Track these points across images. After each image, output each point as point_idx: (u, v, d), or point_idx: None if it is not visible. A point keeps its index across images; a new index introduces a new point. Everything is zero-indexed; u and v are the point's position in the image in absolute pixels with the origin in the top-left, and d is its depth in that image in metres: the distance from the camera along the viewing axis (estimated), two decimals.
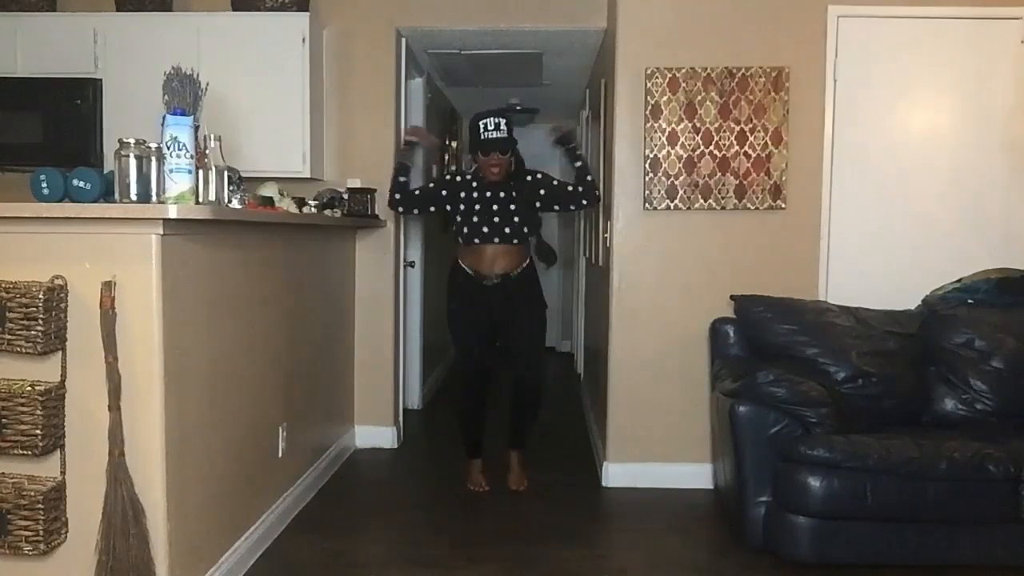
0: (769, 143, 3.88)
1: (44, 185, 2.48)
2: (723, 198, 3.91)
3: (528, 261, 3.86)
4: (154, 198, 2.32)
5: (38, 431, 2.24)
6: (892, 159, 3.91)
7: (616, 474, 4.02)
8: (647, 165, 3.91)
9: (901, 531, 2.99)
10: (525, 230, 3.78)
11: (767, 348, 3.52)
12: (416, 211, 4.09)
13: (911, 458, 2.94)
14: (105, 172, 2.54)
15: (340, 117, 4.56)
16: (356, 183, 4.47)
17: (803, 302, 3.65)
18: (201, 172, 2.45)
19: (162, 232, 2.31)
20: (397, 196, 3.87)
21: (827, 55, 3.87)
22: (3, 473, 2.34)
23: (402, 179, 3.88)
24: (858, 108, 3.90)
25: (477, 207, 3.76)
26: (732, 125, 3.88)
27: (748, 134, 3.88)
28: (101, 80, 4.19)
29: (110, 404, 2.30)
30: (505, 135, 3.69)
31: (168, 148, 2.31)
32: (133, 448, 2.34)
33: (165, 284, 2.34)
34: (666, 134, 3.89)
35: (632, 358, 4.00)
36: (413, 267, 5.42)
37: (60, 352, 2.31)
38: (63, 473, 2.35)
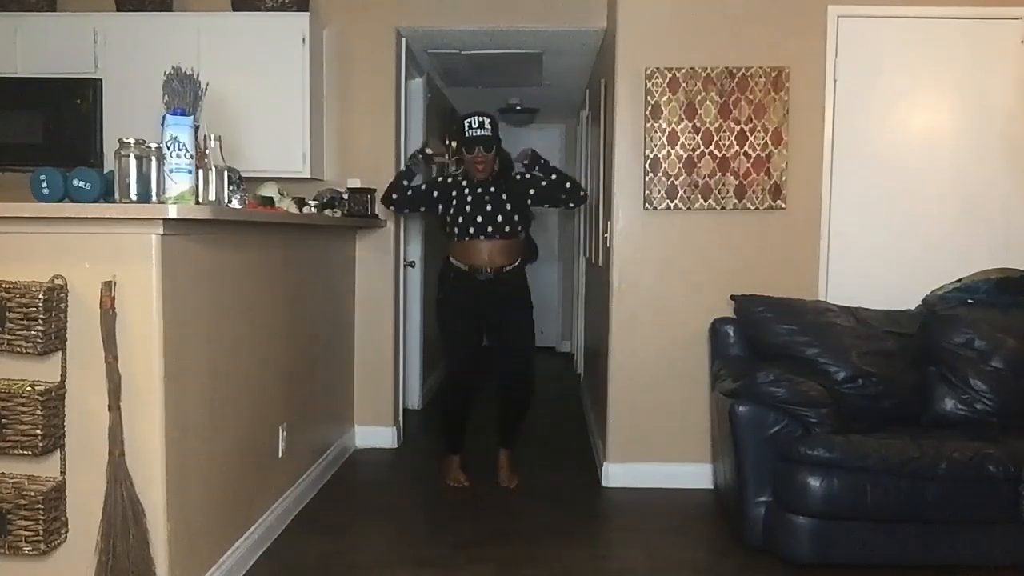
0: (769, 143, 3.88)
1: (44, 185, 2.48)
2: (723, 198, 3.91)
3: (521, 259, 3.90)
4: (154, 198, 2.32)
5: (38, 431, 2.24)
6: (892, 159, 3.91)
7: (616, 474, 4.02)
8: (647, 165, 3.91)
9: (901, 531, 2.99)
10: (516, 218, 3.81)
11: (767, 348, 3.52)
12: (408, 210, 4.16)
13: (911, 458, 2.94)
14: (105, 172, 2.54)
15: (340, 117, 4.56)
16: (356, 183, 4.47)
17: (803, 302, 3.65)
18: (201, 172, 2.45)
19: (162, 232, 2.31)
20: (394, 196, 3.93)
21: (827, 55, 3.87)
22: (3, 473, 2.34)
23: (404, 183, 3.94)
24: (858, 108, 3.90)
25: (469, 198, 3.80)
26: (732, 125, 3.88)
27: (748, 134, 3.88)
28: (101, 80, 4.19)
29: (110, 404, 2.30)
30: (488, 133, 3.78)
31: (168, 148, 2.30)
32: (133, 448, 2.34)
33: (165, 284, 2.34)
34: (666, 134, 3.89)
35: (632, 358, 4.00)
36: (413, 267, 5.42)
37: (60, 352, 2.31)
38: (63, 473, 2.35)
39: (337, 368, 4.33)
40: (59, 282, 2.28)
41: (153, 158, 2.32)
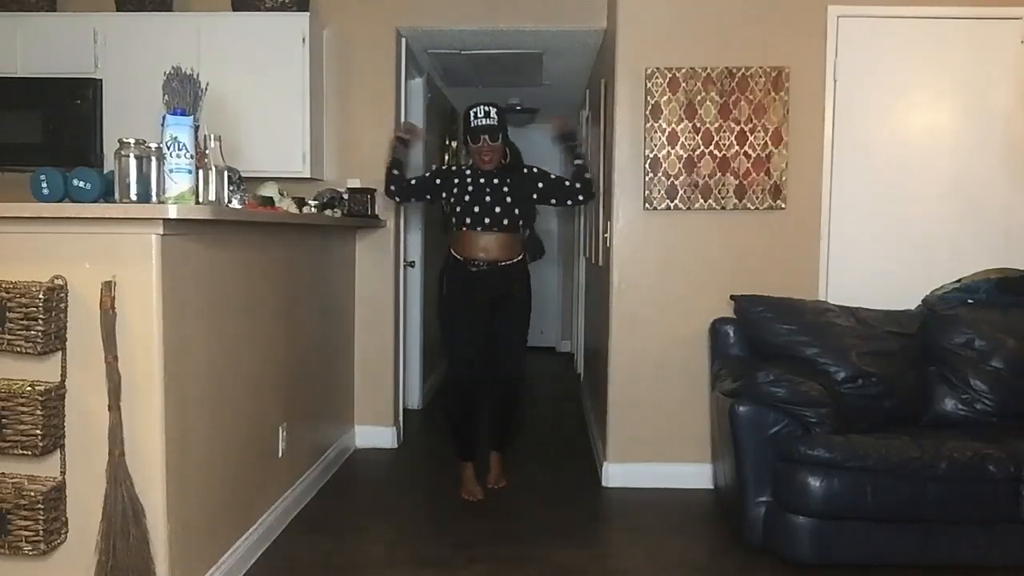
0: (769, 143, 3.88)
1: (44, 185, 2.48)
2: (723, 198, 3.91)
3: (521, 256, 3.81)
4: (154, 198, 2.32)
5: (38, 431, 2.24)
6: (892, 159, 3.91)
7: (616, 474, 4.02)
8: (647, 165, 3.91)
9: (901, 531, 2.99)
10: (516, 212, 3.71)
11: (767, 348, 3.52)
12: (413, 199, 4.09)
13: (911, 458, 2.94)
14: (105, 172, 2.54)
15: (340, 117, 4.56)
16: (356, 183, 4.47)
17: (803, 302, 3.65)
18: (201, 172, 2.45)
19: (162, 232, 2.31)
20: (392, 187, 3.89)
21: (827, 55, 3.87)
22: (3, 473, 2.34)
23: (396, 172, 3.88)
24: (858, 108, 3.90)
25: (470, 188, 3.73)
26: (732, 125, 3.88)
27: (748, 134, 3.88)
28: (101, 80, 4.19)
29: (110, 404, 2.30)
30: (495, 123, 3.69)
31: (168, 148, 2.30)
32: (133, 448, 2.34)
33: (165, 284, 2.34)
34: (666, 134, 3.89)
35: (632, 358, 4.00)
36: (413, 267, 5.42)
37: (60, 352, 2.31)
38: (63, 473, 2.35)
39: (337, 368, 4.33)
40: (59, 282, 2.28)
41: (153, 158, 2.32)
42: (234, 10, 4.29)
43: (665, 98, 3.89)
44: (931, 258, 3.89)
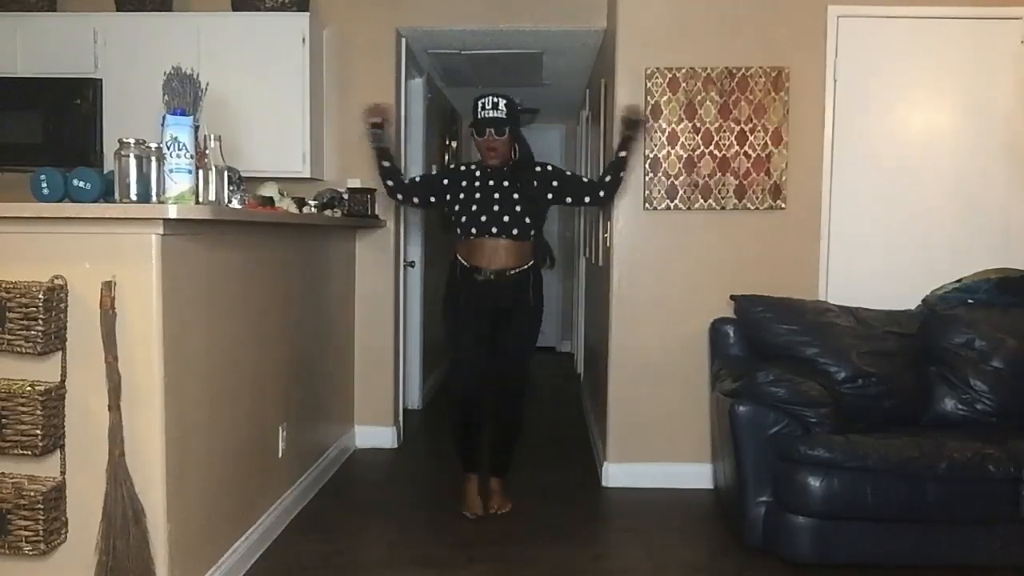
0: (769, 143, 3.88)
1: (44, 185, 2.48)
2: (723, 198, 3.91)
3: (531, 263, 3.52)
4: (154, 198, 2.32)
5: (38, 431, 2.23)
6: (892, 159, 3.91)
7: (616, 474, 4.02)
8: (647, 165, 3.91)
9: (901, 531, 2.99)
10: (527, 221, 3.44)
11: (767, 348, 3.52)
12: (416, 200, 3.72)
13: (911, 458, 2.94)
14: (105, 172, 2.54)
15: (340, 117, 4.56)
16: (356, 183, 4.47)
17: (803, 302, 3.65)
18: (201, 172, 2.44)
19: (162, 232, 2.31)
20: (390, 183, 3.61)
21: (827, 55, 3.87)
22: (3, 473, 2.34)
23: (386, 164, 3.58)
24: (858, 108, 3.90)
25: (477, 195, 3.47)
26: (732, 125, 3.88)
27: (748, 134, 3.88)
28: (101, 80, 4.19)
29: (110, 404, 2.30)
30: (503, 115, 3.41)
31: (168, 148, 2.30)
32: (133, 448, 2.34)
33: (165, 284, 2.34)
34: (666, 134, 3.89)
35: (632, 358, 4.00)
36: (413, 267, 5.42)
37: (60, 352, 2.31)
38: (63, 473, 2.35)
39: (337, 368, 4.33)
40: (59, 282, 2.28)
41: (153, 158, 2.32)
42: (234, 10, 4.29)
43: (665, 98, 3.89)
44: (931, 258, 3.89)
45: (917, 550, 2.99)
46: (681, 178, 3.90)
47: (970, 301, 3.64)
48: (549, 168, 3.60)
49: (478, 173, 3.53)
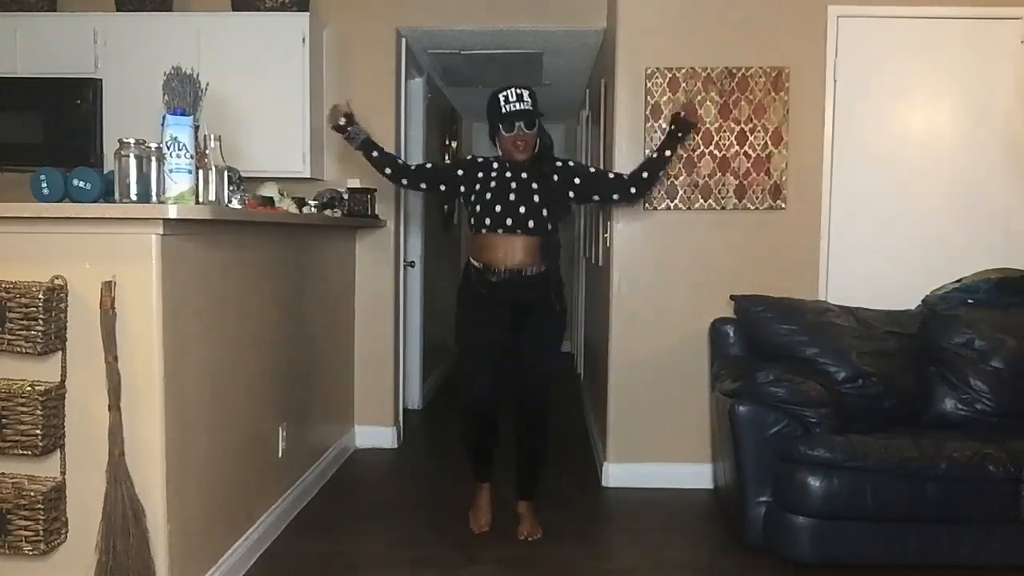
0: (769, 143, 3.88)
1: (44, 185, 2.48)
2: (723, 198, 3.91)
3: (549, 262, 3.28)
4: (154, 198, 2.33)
5: (38, 431, 2.24)
6: (892, 159, 3.91)
7: (616, 474, 4.02)
8: None
9: (901, 531, 2.99)
10: (545, 214, 3.19)
11: (767, 348, 3.52)
12: (423, 185, 3.45)
13: (911, 458, 2.94)
14: (105, 172, 2.54)
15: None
16: (356, 183, 4.47)
17: (803, 302, 3.65)
18: (201, 172, 2.45)
19: (162, 232, 2.31)
20: (388, 171, 3.39)
21: (827, 55, 3.87)
22: (3, 473, 2.34)
23: (375, 155, 3.38)
24: (858, 108, 3.90)
25: (493, 184, 3.23)
26: (732, 125, 3.88)
27: (748, 134, 3.88)
28: (101, 80, 4.19)
29: (110, 404, 2.30)
30: (529, 107, 3.19)
31: (168, 148, 2.31)
32: (133, 448, 2.34)
33: (165, 284, 2.34)
34: (666, 134, 3.88)
35: (632, 358, 4.00)
36: (413, 267, 5.42)
37: (60, 352, 2.31)
38: (63, 473, 2.35)
39: (337, 368, 4.33)
40: (59, 282, 2.28)
41: (153, 158, 2.32)
42: (234, 10, 4.29)
43: (665, 98, 3.89)
44: (931, 258, 3.89)
45: (917, 550, 2.99)
46: (681, 178, 3.90)
47: (970, 301, 3.64)
48: (571, 164, 3.38)
49: (495, 165, 3.31)
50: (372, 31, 4.55)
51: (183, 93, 2.62)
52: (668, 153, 3.41)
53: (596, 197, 3.44)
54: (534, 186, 3.22)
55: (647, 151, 3.89)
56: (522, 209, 3.18)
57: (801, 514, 2.99)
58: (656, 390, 3.98)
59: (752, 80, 3.87)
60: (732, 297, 3.69)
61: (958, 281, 3.76)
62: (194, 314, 2.55)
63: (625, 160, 3.96)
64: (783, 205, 3.91)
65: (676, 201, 3.92)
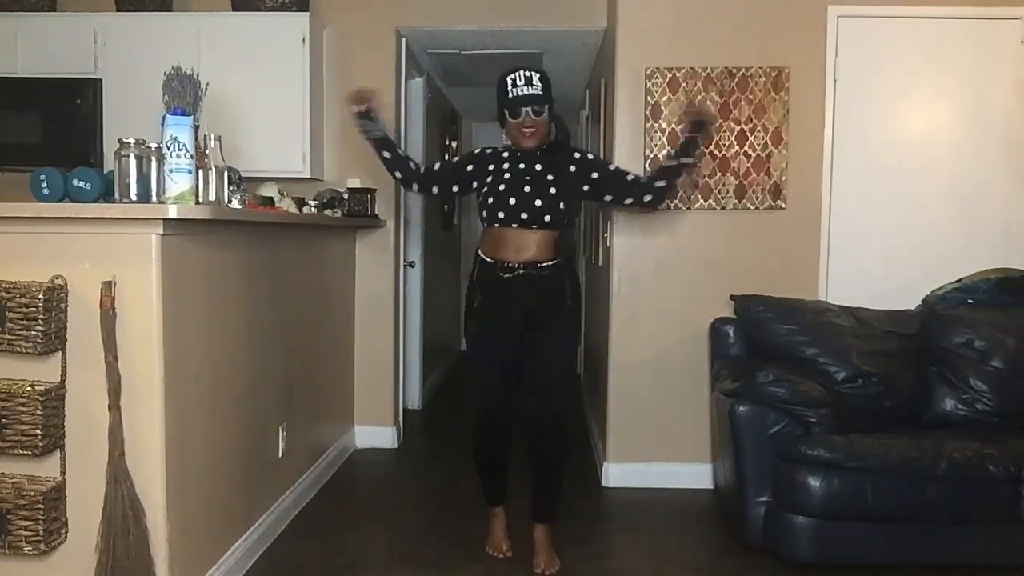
0: (769, 143, 3.88)
1: (44, 185, 2.48)
2: (723, 198, 3.91)
3: (561, 258, 3.05)
4: (154, 198, 2.33)
5: (38, 431, 2.23)
6: (892, 159, 3.91)
7: (616, 474, 4.02)
8: (647, 165, 3.91)
9: (901, 531, 2.99)
10: (561, 207, 2.97)
11: (767, 348, 3.52)
12: (436, 189, 3.14)
13: (911, 458, 2.94)
14: (105, 172, 2.54)
15: (340, 117, 4.55)
16: (356, 183, 4.47)
17: (803, 302, 3.65)
18: (201, 172, 2.45)
19: (162, 232, 2.31)
20: (398, 175, 3.11)
21: (827, 55, 3.87)
22: (3, 473, 2.34)
23: (386, 155, 3.08)
24: (858, 108, 3.90)
25: (506, 176, 3.00)
26: (732, 125, 3.89)
27: (748, 134, 3.88)
28: (101, 80, 4.19)
29: (110, 404, 2.30)
30: (539, 91, 2.94)
31: (168, 148, 2.31)
32: (133, 448, 2.34)
33: (165, 284, 2.34)
34: (666, 134, 3.89)
35: (632, 358, 4.00)
36: (413, 267, 5.42)
37: (60, 352, 2.31)
38: (63, 473, 2.35)
39: (337, 368, 4.33)
40: (59, 282, 2.28)
41: (153, 158, 2.32)
42: (234, 10, 4.29)
43: (665, 98, 3.89)
44: (931, 258, 3.89)
45: (917, 550, 2.99)
46: (681, 178, 3.89)
47: (970, 301, 3.64)
48: (589, 157, 3.14)
49: (506, 155, 3.07)
50: (372, 31, 4.55)
51: (183, 93, 2.63)
52: (687, 160, 3.02)
53: (609, 197, 3.11)
54: (549, 178, 2.99)
55: (646, 151, 3.89)
56: (538, 202, 2.96)
57: (801, 514, 2.99)
58: (656, 390, 3.98)
59: (752, 80, 3.87)
60: (732, 297, 3.69)
61: (958, 281, 3.76)
62: (194, 314, 2.55)
63: (625, 160, 3.95)
64: (783, 205, 3.91)
65: (676, 201, 3.91)
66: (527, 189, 2.97)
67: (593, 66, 5.35)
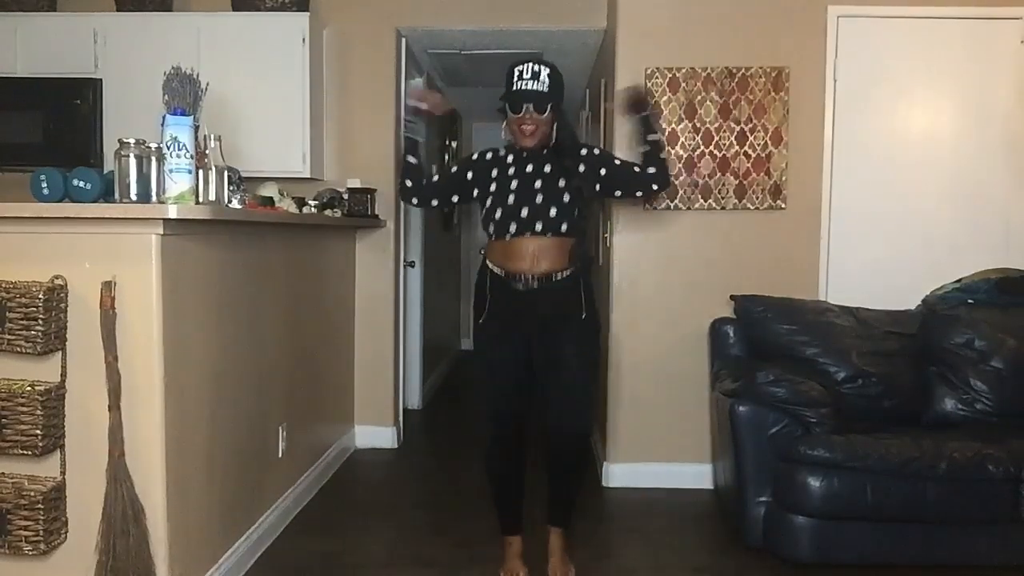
0: (769, 143, 3.88)
1: (44, 185, 2.48)
2: (723, 198, 3.91)
3: (575, 266, 2.83)
4: (154, 198, 2.33)
5: (38, 431, 2.24)
6: (892, 159, 3.91)
7: (616, 474, 4.02)
8: None
9: (901, 531, 2.99)
10: (576, 212, 2.79)
11: (767, 348, 3.52)
12: (435, 202, 3.01)
13: (911, 458, 2.94)
14: (105, 172, 2.54)
15: (340, 117, 4.56)
16: (356, 183, 4.47)
17: (803, 302, 3.65)
18: (201, 172, 2.45)
19: (162, 232, 2.31)
20: (408, 183, 2.94)
21: (827, 55, 3.87)
22: (3, 473, 2.34)
23: (411, 159, 2.93)
24: (858, 108, 3.90)
25: (514, 184, 2.79)
26: (732, 125, 3.88)
27: (748, 134, 3.88)
28: (101, 80, 4.19)
29: (110, 404, 2.30)
30: (545, 88, 2.76)
31: (168, 148, 2.31)
32: (133, 448, 2.34)
33: (165, 284, 2.34)
34: (666, 134, 3.89)
35: (632, 358, 4.00)
36: (413, 267, 5.42)
37: (60, 352, 2.31)
38: (63, 473, 2.35)
39: (337, 368, 4.33)
40: (59, 282, 2.28)
41: (153, 158, 2.32)
42: (234, 10, 4.29)
43: (665, 98, 3.89)
44: (931, 258, 3.89)
45: (917, 550, 2.99)
46: (681, 178, 3.90)
47: (970, 301, 3.64)
48: (596, 152, 2.95)
49: (511, 159, 2.86)
50: (372, 31, 4.55)
51: (183, 93, 2.63)
52: (651, 137, 2.93)
53: (619, 192, 2.97)
54: (562, 183, 2.79)
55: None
56: (552, 211, 2.75)
57: (801, 514, 2.99)
58: (656, 390, 3.98)
59: (752, 80, 3.87)
60: (732, 297, 3.69)
61: (958, 281, 3.76)
62: (194, 314, 2.55)
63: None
64: (783, 205, 3.91)
65: (676, 201, 3.92)
66: (539, 199, 2.76)
67: (593, 66, 5.34)
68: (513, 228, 2.77)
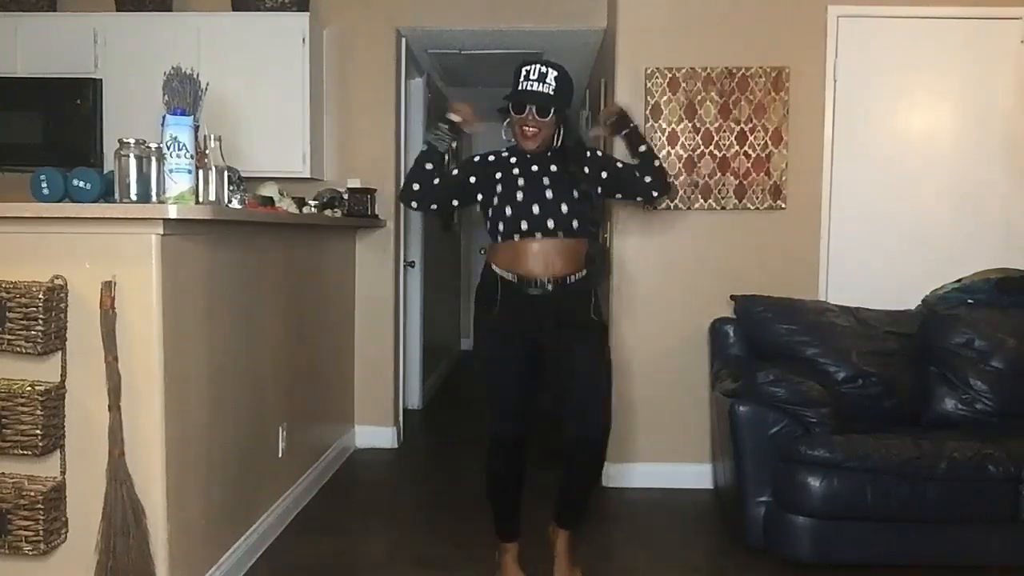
0: (769, 143, 3.88)
1: (44, 185, 2.48)
2: (723, 198, 3.91)
3: (588, 269, 2.77)
4: (154, 198, 2.33)
5: (38, 431, 2.23)
6: (892, 159, 3.91)
7: (616, 474, 4.02)
8: None
9: (901, 531, 2.99)
10: (587, 212, 2.74)
11: (767, 348, 3.52)
12: (435, 206, 2.89)
13: (911, 458, 2.94)
14: (105, 172, 2.54)
15: (340, 117, 4.56)
16: (356, 183, 4.47)
17: (803, 302, 3.65)
18: (201, 172, 2.45)
19: (162, 232, 2.31)
20: (415, 187, 2.79)
21: (827, 55, 3.87)
22: (3, 473, 2.34)
23: (428, 166, 2.79)
24: (858, 108, 3.90)
25: (521, 183, 2.72)
26: (732, 125, 3.88)
27: (748, 134, 3.88)
28: (101, 80, 4.19)
29: (110, 404, 2.30)
30: (550, 91, 2.66)
31: (168, 148, 2.31)
32: (133, 448, 2.34)
33: (165, 284, 2.34)
34: (666, 134, 3.89)
35: (632, 358, 3.99)
36: (413, 267, 5.42)
37: (60, 352, 2.31)
38: (63, 473, 2.35)
39: (337, 368, 4.33)
40: (59, 282, 2.28)
41: (153, 158, 2.32)
42: (234, 10, 4.29)
43: (665, 98, 3.89)
44: (931, 258, 3.89)
45: (917, 550, 2.99)
46: (681, 178, 3.90)
47: (970, 301, 3.64)
48: (599, 154, 2.94)
49: (514, 160, 2.79)
50: (372, 31, 4.55)
51: (183, 93, 2.63)
52: (642, 148, 2.92)
53: (620, 195, 2.98)
54: (568, 181, 2.74)
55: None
56: (564, 208, 2.68)
57: (801, 514, 2.99)
58: (656, 390, 3.98)
59: (752, 80, 3.87)
60: (732, 297, 3.69)
61: (958, 281, 3.76)
62: (194, 314, 2.55)
63: (625, 160, 3.94)
64: (783, 205, 3.91)
65: (676, 201, 3.92)
66: (549, 195, 2.68)
67: (593, 66, 5.34)
68: (524, 226, 2.68)
